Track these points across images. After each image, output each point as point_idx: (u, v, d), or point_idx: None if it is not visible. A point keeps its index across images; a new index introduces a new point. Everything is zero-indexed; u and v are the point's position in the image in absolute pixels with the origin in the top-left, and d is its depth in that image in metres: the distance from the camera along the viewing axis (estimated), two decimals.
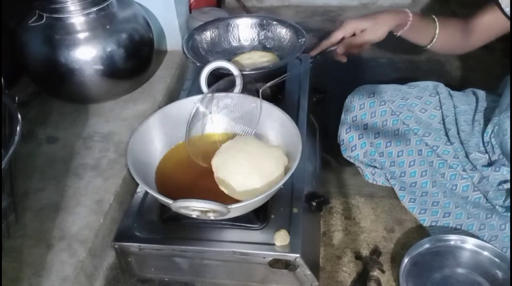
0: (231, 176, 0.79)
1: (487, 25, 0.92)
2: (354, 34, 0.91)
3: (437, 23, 0.93)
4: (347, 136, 1.03)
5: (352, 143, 1.03)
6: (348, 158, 1.06)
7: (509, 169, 0.89)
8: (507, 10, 0.88)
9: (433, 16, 0.94)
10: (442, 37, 0.93)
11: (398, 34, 0.94)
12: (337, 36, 0.91)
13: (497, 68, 1.03)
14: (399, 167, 0.99)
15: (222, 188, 0.79)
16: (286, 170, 0.80)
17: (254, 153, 0.80)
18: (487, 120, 0.95)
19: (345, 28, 0.90)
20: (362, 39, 0.90)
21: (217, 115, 0.94)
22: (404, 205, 0.99)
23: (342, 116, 1.04)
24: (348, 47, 0.92)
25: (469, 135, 0.95)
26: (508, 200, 0.89)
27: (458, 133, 0.95)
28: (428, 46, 0.95)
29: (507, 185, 0.89)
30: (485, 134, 0.93)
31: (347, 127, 1.02)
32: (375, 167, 1.04)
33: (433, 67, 1.50)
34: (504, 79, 1.00)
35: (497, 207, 0.90)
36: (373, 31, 0.89)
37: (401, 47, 1.60)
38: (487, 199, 0.92)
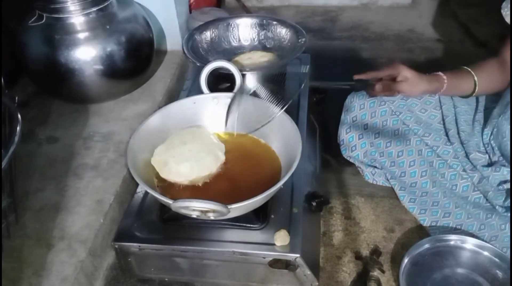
0: (168, 160, 0.83)
1: None
2: (394, 79, 0.92)
3: (473, 73, 0.92)
4: (347, 136, 1.03)
5: (352, 143, 1.03)
6: (348, 158, 1.06)
7: (509, 169, 0.89)
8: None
9: (466, 67, 0.94)
10: (483, 82, 0.93)
11: (436, 95, 0.96)
12: (383, 72, 0.94)
13: None
14: (399, 167, 0.99)
15: (159, 171, 0.83)
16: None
17: (192, 143, 0.86)
18: (487, 120, 0.95)
19: (393, 68, 0.92)
20: (399, 87, 0.91)
21: (217, 118, 0.94)
22: (404, 205, 0.99)
23: (342, 116, 1.04)
24: (384, 87, 0.93)
25: (469, 135, 0.95)
26: (508, 200, 0.88)
27: (458, 133, 0.95)
28: (474, 94, 0.95)
29: (507, 185, 0.89)
30: (484, 136, 0.93)
31: (347, 127, 1.02)
32: (375, 167, 1.04)
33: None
34: None
35: (497, 207, 0.90)
36: (412, 84, 0.91)
37: (401, 47, 1.61)
38: (487, 199, 0.92)
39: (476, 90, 0.93)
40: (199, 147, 0.85)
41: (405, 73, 0.90)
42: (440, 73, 0.93)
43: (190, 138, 0.87)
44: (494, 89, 0.96)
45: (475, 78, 0.92)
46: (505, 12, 0.90)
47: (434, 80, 0.92)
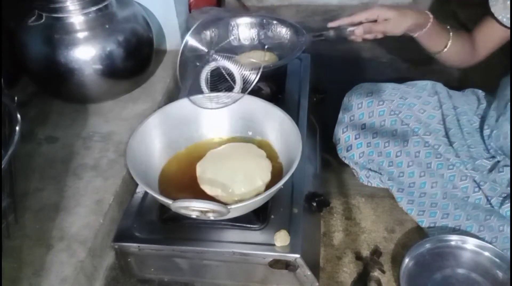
0: (215, 179, 0.81)
1: (487, 36, 0.93)
2: (375, 21, 0.89)
3: (451, 32, 0.93)
4: (343, 136, 1.01)
5: (348, 143, 1.00)
6: (343, 159, 1.04)
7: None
8: (504, 20, 0.88)
9: (448, 26, 0.94)
10: (453, 47, 0.93)
11: (415, 35, 0.93)
12: (360, 17, 0.89)
13: (497, 68, 1.03)
14: (397, 167, 0.98)
15: (204, 188, 0.81)
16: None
17: (241, 161, 0.84)
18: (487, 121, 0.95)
19: (371, 12, 0.88)
20: (383, 28, 0.88)
21: (217, 117, 0.94)
22: (401, 206, 0.98)
23: (340, 115, 1.02)
24: (366, 31, 0.89)
25: (472, 136, 0.94)
26: (507, 203, 0.88)
27: (460, 133, 0.94)
28: (438, 54, 0.95)
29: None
30: (485, 137, 0.93)
31: (344, 126, 1.01)
32: (370, 169, 1.02)
33: (433, 67, 1.50)
34: (500, 80, 0.99)
35: (496, 208, 0.88)
36: (396, 23, 0.87)
37: (401, 47, 1.61)
38: (488, 200, 0.91)
39: (445, 50, 0.93)
40: (252, 167, 0.83)
41: (386, 15, 0.87)
42: (428, 12, 0.91)
43: (244, 156, 0.86)
44: (457, 61, 0.97)
45: (450, 37, 0.92)
46: (492, 3, 0.89)
47: (420, 14, 0.89)
